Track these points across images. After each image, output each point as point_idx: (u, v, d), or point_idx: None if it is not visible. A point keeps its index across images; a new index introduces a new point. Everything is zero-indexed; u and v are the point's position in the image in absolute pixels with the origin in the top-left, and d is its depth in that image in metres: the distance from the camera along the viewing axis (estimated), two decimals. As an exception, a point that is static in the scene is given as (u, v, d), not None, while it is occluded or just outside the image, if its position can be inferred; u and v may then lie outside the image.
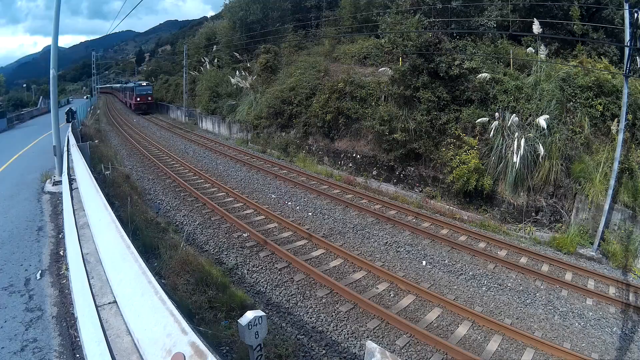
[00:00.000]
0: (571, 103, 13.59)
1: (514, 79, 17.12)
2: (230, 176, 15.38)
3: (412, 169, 14.39)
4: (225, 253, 8.87)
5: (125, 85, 59.22)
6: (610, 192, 10.45)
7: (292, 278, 7.87)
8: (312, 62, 28.78)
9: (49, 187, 11.30)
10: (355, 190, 13.98)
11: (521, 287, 7.90)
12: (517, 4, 20.59)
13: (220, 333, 5.23)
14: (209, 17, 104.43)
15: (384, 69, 20.56)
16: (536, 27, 16.21)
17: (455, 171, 12.57)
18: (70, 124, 19.06)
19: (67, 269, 5.90)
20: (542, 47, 17.08)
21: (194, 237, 9.65)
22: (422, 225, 11.10)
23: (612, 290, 8.31)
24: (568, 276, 8.74)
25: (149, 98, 45.80)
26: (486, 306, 7.30)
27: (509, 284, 8.00)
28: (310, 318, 6.59)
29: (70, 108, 20.13)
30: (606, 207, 10.40)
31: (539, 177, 11.91)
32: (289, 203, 12.27)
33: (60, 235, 7.64)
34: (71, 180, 9.98)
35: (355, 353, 5.80)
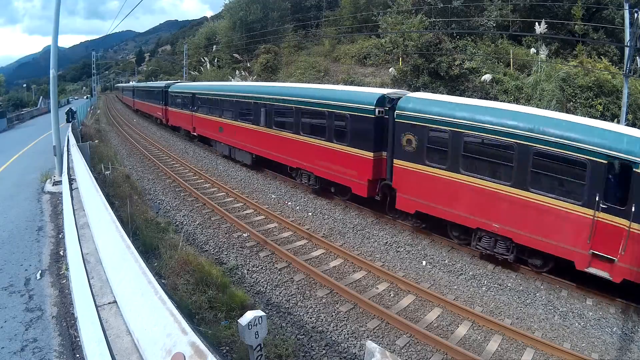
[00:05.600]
0: (571, 103, 13.61)
1: (514, 79, 17.14)
2: (230, 176, 15.38)
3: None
4: (225, 253, 8.87)
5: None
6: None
7: (292, 278, 7.87)
8: (312, 62, 28.86)
9: (49, 187, 11.31)
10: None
11: (521, 287, 7.90)
12: (517, 4, 20.59)
13: (220, 333, 5.23)
14: (208, 17, 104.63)
15: (390, 69, 20.57)
16: (540, 27, 16.19)
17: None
18: (70, 124, 19.08)
19: (67, 269, 5.91)
20: (543, 47, 17.08)
21: (194, 237, 9.65)
22: (423, 224, 11.06)
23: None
24: (568, 276, 8.72)
25: None
26: (486, 306, 7.30)
27: (509, 284, 8.00)
28: (310, 318, 6.59)
29: (70, 108, 20.17)
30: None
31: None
32: (289, 203, 12.27)
33: (60, 235, 7.64)
34: (71, 180, 9.99)
35: (355, 353, 5.80)
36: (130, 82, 66.20)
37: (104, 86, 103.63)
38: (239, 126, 15.85)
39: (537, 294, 7.66)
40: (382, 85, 20.29)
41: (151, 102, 31.54)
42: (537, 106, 13.97)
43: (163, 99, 26.52)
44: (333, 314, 6.74)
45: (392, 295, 7.50)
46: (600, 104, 13.47)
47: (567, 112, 13.40)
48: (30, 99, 65.45)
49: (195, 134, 21.25)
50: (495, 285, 7.96)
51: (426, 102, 9.09)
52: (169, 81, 32.58)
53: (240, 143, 15.90)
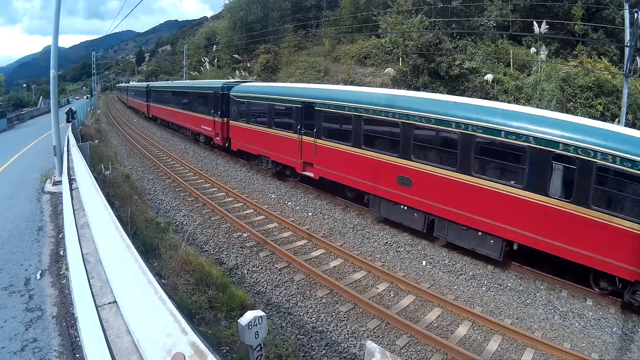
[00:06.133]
0: (571, 103, 13.61)
1: (514, 79, 17.16)
2: (230, 176, 15.38)
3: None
4: (225, 253, 8.87)
5: None
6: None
7: (292, 278, 7.87)
8: (312, 62, 28.90)
9: (49, 187, 11.31)
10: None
11: (521, 287, 7.90)
12: (517, 4, 20.60)
13: (220, 333, 5.24)
14: (208, 17, 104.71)
15: (388, 70, 20.57)
16: (540, 28, 16.20)
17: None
18: (70, 124, 19.11)
19: (67, 269, 5.91)
20: (543, 47, 17.09)
21: (194, 237, 9.64)
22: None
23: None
24: (568, 276, 8.71)
25: None
26: (486, 306, 7.30)
27: (509, 284, 8.00)
28: (310, 318, 6.59)
29: (70, 108, 20.19)
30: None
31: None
32: (289, 203, 12.27)
33: (60, 235, 7.64)
34: (71, 180, 9.99)
35: (355, 353, 5.80)
36: (130, 82, 65.32)
37: (104, 86, 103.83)
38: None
39: (537, 294, 7.66)
40: (382, 86, 20.25)
41: (190, 110, 21.94)
42: (537, 106, 13.96)
43: (218, 106, 17.75)
44: (333, 314, 6.74)
45: (392, 295, 7.50)
46: (600, 104, 13.49)
47: (567, 112, 13.40)
48: (30, 99, 65.52)
49: (317, 176, 12.12)
50: (495, 285, 7.96)
51: None
52: (227, 80, 21.74)
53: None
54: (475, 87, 16.55)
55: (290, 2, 39.88)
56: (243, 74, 34.22)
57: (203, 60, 44.88)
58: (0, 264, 6.41)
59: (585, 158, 6.94)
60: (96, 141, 19.98)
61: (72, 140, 15.19)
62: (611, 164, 6.72)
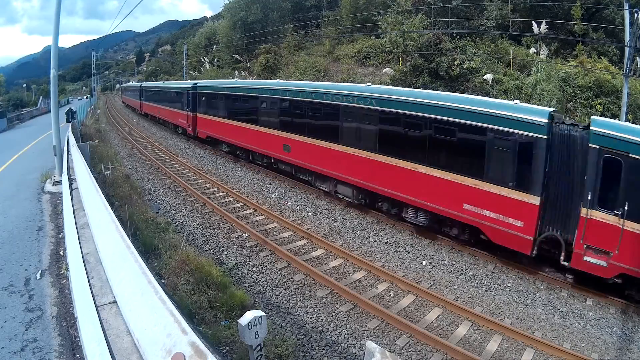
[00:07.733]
0: (571, 103, 13.60)
1: (514, 79, 17.16)
2: (230, 176, 15.38)
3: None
4: (225, 253, 8.87)
5: None
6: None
7: (292, 278, 7.87)
8: (312, 62, 28.90)
9: (49, 187, 11.31)
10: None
11: (521, 287, 7.90)
12: (517, 4, 20.60)
13: (220, 333, 5.24)
14: (208, 17, 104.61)
15: (387, 69, 20.56)
16: (540, 28, 16.19)
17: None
18: (70, 124, 19.11)
19: (67, 269, 5.91)
20: (543, 47, 17.09)
21: (194, 237, 9.65)
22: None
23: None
24: (568, 276, 8.70)
25: None
26: (486, 306, 7.30)
27: (509, 284, 8.00)
28: (310, 318, 6.59)
29: (70, 108, 20.19)
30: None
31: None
32: (289, 203, 12.27)
33: (60, 235, 7.64)
34: (71, 180, 9.99)
35: (355, 353, 5.80)
36: (159, 81, 59.07)
37: (104, 86, 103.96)
38: None
39: (537, 294, 7.66)
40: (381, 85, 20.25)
41: None
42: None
43: None
44: (333, 314, 6.74)
45: (392, 295, 7.50)
46: (600, 104, 13.48)
47: (567, 112, 13.40)
48: (30, 99, 65.47)
49: None
50: (495, 285, 7.96)
51: None
52: None
53: None
54: (475, 87, 16.55)
55: (290, 2, 39.86)
56: (243, 73, 34.22)
57: (203, 60, 44.86)
58: (0, 264, 6.41)
59: None
60: (96, 141, 19.98)
61: (72, 140, 15.19)
62: None
